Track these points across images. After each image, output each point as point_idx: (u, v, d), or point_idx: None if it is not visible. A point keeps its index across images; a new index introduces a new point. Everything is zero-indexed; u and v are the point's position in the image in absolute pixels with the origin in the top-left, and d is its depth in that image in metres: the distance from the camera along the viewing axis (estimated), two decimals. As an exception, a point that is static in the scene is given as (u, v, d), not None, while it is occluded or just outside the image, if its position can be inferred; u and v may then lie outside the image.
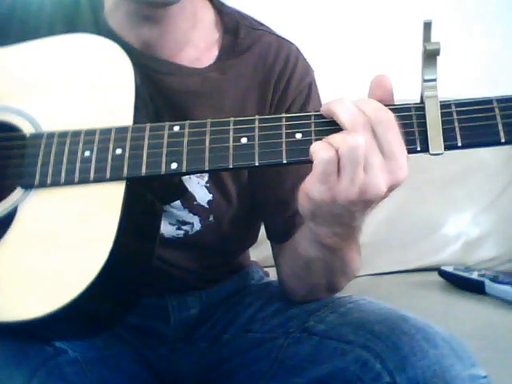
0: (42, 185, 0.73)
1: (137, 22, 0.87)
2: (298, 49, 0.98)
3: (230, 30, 0.94)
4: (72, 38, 0.82)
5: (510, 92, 0.67)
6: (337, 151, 0.64)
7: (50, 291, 0.69)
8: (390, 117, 0.66)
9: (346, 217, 0.70)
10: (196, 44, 0.92)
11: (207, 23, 0.94)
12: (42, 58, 0.82)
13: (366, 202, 0.66)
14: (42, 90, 0.79)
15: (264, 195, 0.93)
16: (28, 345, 0.75)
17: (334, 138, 0.65)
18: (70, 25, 0.89)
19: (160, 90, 0.88)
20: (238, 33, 0.94)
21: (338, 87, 1.69)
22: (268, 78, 0.93)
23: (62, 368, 0.79)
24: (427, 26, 0.66)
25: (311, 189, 0.67)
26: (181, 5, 0.84)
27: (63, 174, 0.73)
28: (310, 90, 0.96)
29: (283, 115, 0.70)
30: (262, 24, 0.99)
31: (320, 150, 0.65)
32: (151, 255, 0.79)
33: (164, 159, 0.71)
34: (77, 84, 0.79)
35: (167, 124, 0.72)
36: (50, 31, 0.85)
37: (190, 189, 0.90)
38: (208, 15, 0.95)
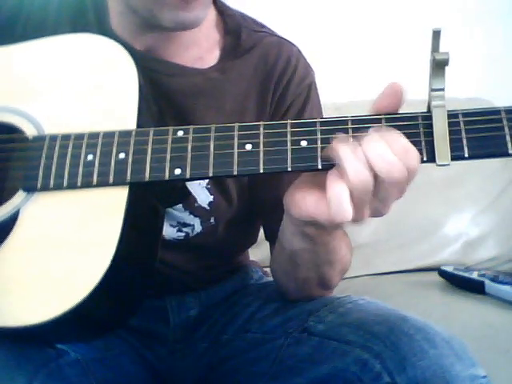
0: (45, 188, 0.73)
1: (142, 31, 0.87)
2: (299, 50, 0.98)
3: (231, 32, 0.94)
4: (75, 37, 0.82)
5: (510, 94, 0.67)
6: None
7: (53, 296, 0.68)
8: (402, 177, 0.65)
9: None
10: (199, 44, 0.92)
11: (210, 24, 0.94)
12: (45, 58, 0.81)
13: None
14: (44, 90, 0.79)
15: (263, 196, 0.93)
16: (29, 346, 0.75)
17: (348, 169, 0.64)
18: (76, 26, 0.89)
19: (162, 92, 0.87)
20: (239, 35, 0.94)
21: (340, 90, 1.70)
22: (268, 78, 0.94)
23: (63, 369, 0.79)
24: (436, 35, 0.64)
25: (319, 216, 0.68)
26: None
27: (66, 178, 0.72)
28: (310, 91, 0.96)
29: (288, 121, 0.69)
30: (263, 26, 0.99)
31: (336, 190, 0.64)
32: (154, 257, 0.79)
33: (168, 165, 0.70)
34: (80, 84, 0.78)
35: (171, 128, 0.71)
36: (55, 31, 0.84)
37: (191, 190, 0.90)
38: (210, 16, 0.94)
